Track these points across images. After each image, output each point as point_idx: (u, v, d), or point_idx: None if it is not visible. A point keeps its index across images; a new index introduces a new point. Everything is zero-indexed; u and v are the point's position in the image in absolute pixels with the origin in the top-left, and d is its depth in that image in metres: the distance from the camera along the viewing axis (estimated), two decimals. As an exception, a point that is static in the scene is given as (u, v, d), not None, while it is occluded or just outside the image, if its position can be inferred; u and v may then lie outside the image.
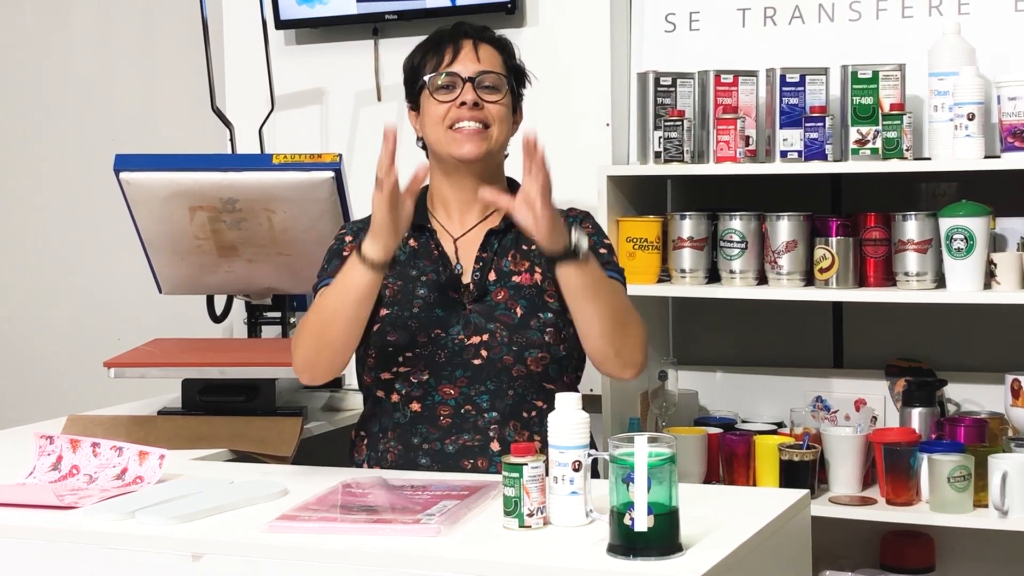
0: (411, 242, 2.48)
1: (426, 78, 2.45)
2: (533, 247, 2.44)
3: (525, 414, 2.40)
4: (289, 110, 3.61)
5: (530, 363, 2.38)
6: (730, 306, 3.21)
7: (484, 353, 2.38)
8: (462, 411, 2.39)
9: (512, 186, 2.55)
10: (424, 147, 2.52)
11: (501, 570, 1.73)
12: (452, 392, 2.39)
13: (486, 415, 2.39)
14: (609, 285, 2.33)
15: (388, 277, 2.40)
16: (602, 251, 2.47)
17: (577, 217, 2.52)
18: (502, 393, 2.39)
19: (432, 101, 2.44)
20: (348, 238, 2.51)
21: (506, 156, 2.52)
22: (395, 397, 2.42)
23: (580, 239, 2.24)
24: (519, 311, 2.40)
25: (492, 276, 2.44)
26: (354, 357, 2.45)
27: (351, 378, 3.23)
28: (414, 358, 2.38)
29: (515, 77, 2.51)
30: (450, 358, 2.39)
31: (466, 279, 2.45)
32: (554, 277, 2.35)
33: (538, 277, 2.43)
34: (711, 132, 3.03)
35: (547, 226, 2.20)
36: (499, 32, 2.56)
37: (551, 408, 1.92)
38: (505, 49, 2.51)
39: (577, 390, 2.47)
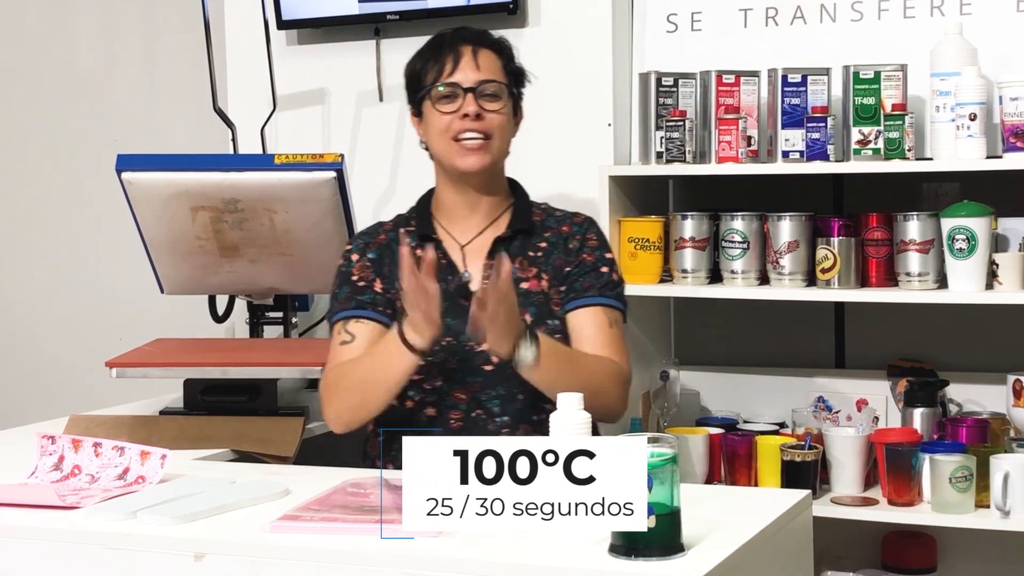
0: (419, 252, 2.49)
1: (427, 88, 2.48)
2: (540, 254, 2.46)
3: (535, 417, 2.41)
4: (291, 110, 3.61)
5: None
6: (732, 306, 3.21)
7: (495, 359, 2.38)
8: (472, 415, 2.41)
9: (514, 187, 2.57)
10: (427, 149, 2.54)
11: (501, 570, 1.73)
12: (463, 397, 2.41)
13: (497, 419, 2.40)
14: (570, 372, 2.31)
15: (400, 289, 2.42)
16: (603, 269, 2.49)
17: (581, 225, 2.53)
18: (512, 398, 2.40)
19: (435, 112, 2.47)
20: (355, 257, 2.54)
21: (506, 155, 2.54)
22: (409, 403, 2.44)
23: (523, 355, 2.24)
24: (528, 318, 2.41)
25: None
26: None
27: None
28: (426, 366, 2.39)
29: (515, 80, 2.53)
30: (461, 364, 2.41)
31: (475, 286, 2.46)
32: (560, 284, 2.41)
33: (545, 284, 2.46)
34: (713, 132, 3.03)
35: (493, 335, 2.21)
36: (500, 33, 2.57)
37: None
38: (504, 52, 2.53)
39: None
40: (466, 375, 2.40)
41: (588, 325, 2.43)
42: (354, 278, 2.51)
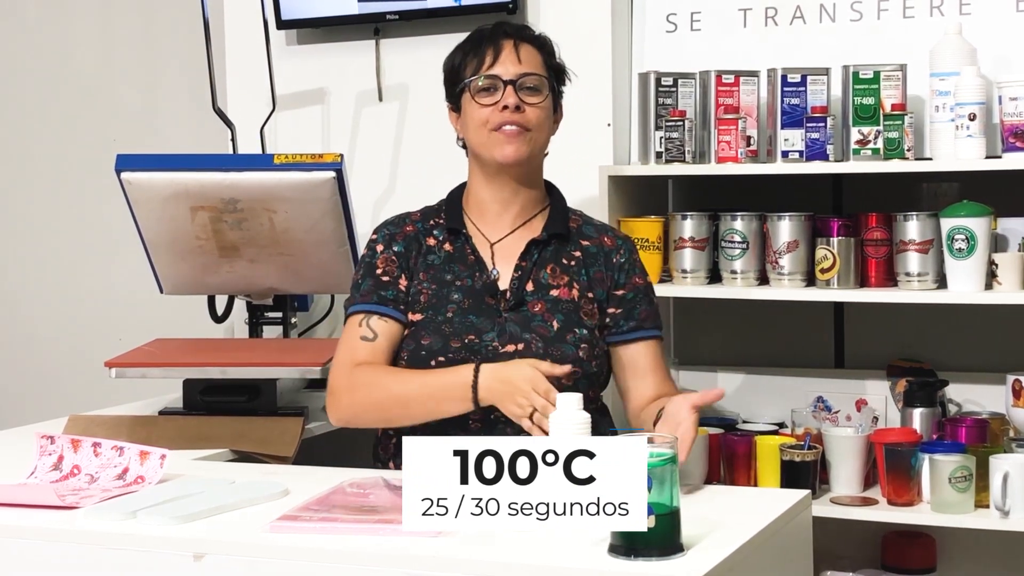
0: (447, 247, 2.48)
1: (467, 81, 2.45)
2: (573, 263, 2.46)
3: None
4: (290, 110, 3.61)
5: (561, 377, 2.36)
6: (731, 306, 3.21)
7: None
8: (491, 417, 2.37)
9: (550, 190, 2.55)
10: (464, 147, 2.52)
11: (501, 570, 1.73)
12: None
13: (514, 422, 2.37)
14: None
15: (423, 283, 2.42)
16: (650, 294, 2.51)
17: (626, 242, 2.54)
18: None
19: (474, 104, 2.44)
20: (379, 247, 2.49)
21: (545, 155, 2.53)
22: None
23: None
24: (555, 324, 2.40)
25: (530, 286, 2.44)
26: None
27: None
28: (446, 362, 2.37)
29: (555, 76, 2.52)
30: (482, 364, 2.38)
31: (503, 285, 2.45)
32: (593, 296, 2.43)
33: (575, 293, 2.44)
34: (712, 132, 3.03)
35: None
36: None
37: None
38: (545, 48, 2.51)
39: (601, 402, 2.49)
40: None
41: (645, 357, 2.47)
42: (378, 271, 2.46)
